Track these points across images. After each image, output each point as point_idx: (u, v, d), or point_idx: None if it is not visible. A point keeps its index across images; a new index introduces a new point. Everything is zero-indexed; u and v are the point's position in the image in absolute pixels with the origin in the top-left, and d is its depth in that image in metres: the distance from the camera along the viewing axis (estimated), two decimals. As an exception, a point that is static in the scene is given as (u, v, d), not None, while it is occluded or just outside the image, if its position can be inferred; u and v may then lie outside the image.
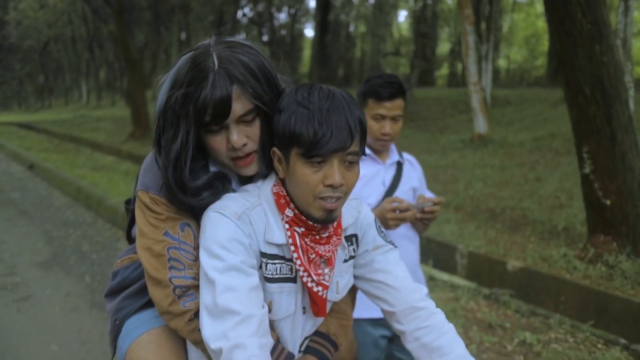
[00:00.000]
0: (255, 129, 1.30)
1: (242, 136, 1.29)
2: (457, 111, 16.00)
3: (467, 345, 3.15)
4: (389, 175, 2.21)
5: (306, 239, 1.30)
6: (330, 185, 1.21)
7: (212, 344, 1.12)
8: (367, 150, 2.21)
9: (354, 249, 1.44)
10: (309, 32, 34.49)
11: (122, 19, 13.70)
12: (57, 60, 49.41)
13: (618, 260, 4.50)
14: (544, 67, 25.30)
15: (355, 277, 1.47)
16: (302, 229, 1.29)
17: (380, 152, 2.21)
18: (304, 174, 1.22)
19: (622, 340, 3.47)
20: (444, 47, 34.93)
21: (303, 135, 1.18)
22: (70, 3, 32.65)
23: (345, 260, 1.43)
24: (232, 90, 1.24)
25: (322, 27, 15.66)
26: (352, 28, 37.07)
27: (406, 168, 2.30)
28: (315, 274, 1.30)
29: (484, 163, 10.07)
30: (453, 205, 7.22)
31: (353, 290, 1.58)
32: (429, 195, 2.29)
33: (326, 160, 1.21)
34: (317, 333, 1.47)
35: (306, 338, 1.46)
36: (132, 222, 1.60)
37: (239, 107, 1.25)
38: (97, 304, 4.15)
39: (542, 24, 24.39)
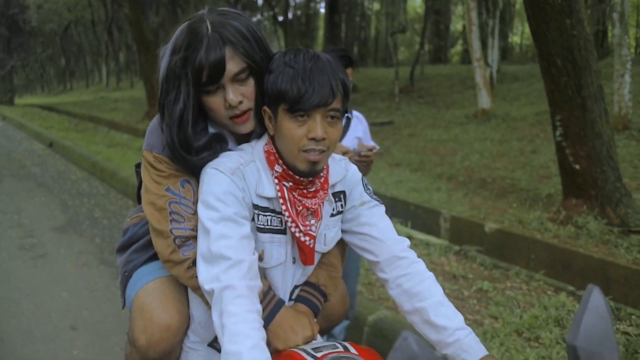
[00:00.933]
0: (249, 87, 1.40)
1: (238, 94, 1.38)
2: (465, 87, 16.15)
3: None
4: None
5: (294, 193, 1.40)
6: (313, 139, 1.31)
7: (206, 285, 1.23)
8: None
9: (341, 205, 1.54)
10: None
11: (136, 1, 14.07)
12: (78, 43, 50.07)
13: (586, 221, 4.81)
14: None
15: (343, 231, 1.58)
16: (290, 184, 1.40)
17: None
18: (290, 128, 1.32)
19: (570, 287, 3.83)
20: (458, 25, 34.83)
21: (288, 92, 1.29)
22: (89, -14, 33.07)
23: (333, 215, 1.53)
24: (225, 51, 1.34)
25: (332, 6, 15.88)
26: (369, 6, 37.08)
27: (353, 122, 2.75)
28: (303, 225, 1.41)
29: (484, 137, 10.33)
30: (446, 175, 7.54)
31: (342, 245, 1.67)
32: (370, 144, 2.68)
33: (310, 116, 1.30)
34: (307, 283, 1.57)
35: (296, 287, 1.56)
36: (140, 184, 1.72)
37: (232, 66, 1.36)
38: (105, 261, 4.61)
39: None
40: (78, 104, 26.37)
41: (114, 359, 3.01)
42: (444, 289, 1.47)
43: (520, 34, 34.20)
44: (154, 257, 1.59)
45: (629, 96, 9.61)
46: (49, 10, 37.44)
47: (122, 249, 1.72)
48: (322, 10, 33.16)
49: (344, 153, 2.37)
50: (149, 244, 1.58)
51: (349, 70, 2.53)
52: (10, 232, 5.45)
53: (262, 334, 1.19)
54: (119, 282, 1.70)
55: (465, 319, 1.42)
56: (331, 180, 1.49)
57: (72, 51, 51.57)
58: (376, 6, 35.74)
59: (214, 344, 1.52)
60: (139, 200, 1.75)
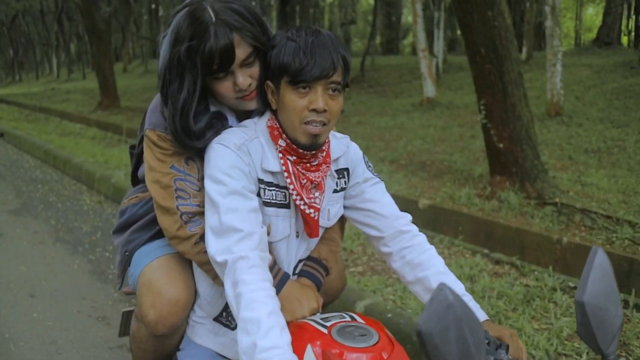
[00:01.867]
0: (256, 68, 1.44)
1: (247, 77, 1.42)
2: (413, 77, 16.68)
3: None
4: None
5: (298, 167, 1.43)
6: (315, 110, 1.34)
7: (218, 257, 1.27)
8: None
9: (345, 182, 1.59)
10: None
11: (86, -10, 14.04)
12: (27, 34, 48.80)
13: (507, 196, 5.30)
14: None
15: (346, 207, 1.64)
16: (294, 157, 1.43)
17: None
18: (292, 99, 1.35)
19: (485, 250, 4.29)
20: (409, 17, 35.60)
21: (290, 64, 1.32)
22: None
23: (336, 191, 1.57)
24: (233, 38, 1.36)
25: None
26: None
27: None
28: (307, 197, 1.44)
29: (428, 124, 10.85)
30: (389, 159, 7.98)
31: (342, 221, 1.73)
32: None
33: (311, 88, 1.34)
34: (309, 258, 1.61)
35: (300, 261, 1.60)
36: (136, 165, 1.77)
37: (241, 52, 1.38)
38: (60, 239, 4.85)
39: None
40: (28, 95, 25.89)
41: (70, 320, 3.30)
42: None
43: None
44: (156, 236, 1.64)
45: (561, 84, 10.25)
46: (-5, -1, 36.41)
47: (121, 229, 1.74)
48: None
49: None
50: (150, 224, 1.64)
51: None
52: (-36, 215, 5.62)
53: (277, 301, 1.22)
54: (117, 262, 1.72)
55: (390, 277, 1.74)
56: (332, 155, 1.53)
57: (20, 42, 50.20)
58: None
59: (220, 319, 1.57)
60: (133, 182, 1.83)
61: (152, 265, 1.56)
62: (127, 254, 1.67)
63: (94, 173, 6.85)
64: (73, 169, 7.57)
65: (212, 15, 1.36)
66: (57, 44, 40.66)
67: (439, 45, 15.56)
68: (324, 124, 1.37)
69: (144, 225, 1.67)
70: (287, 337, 1.15)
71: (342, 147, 1.57)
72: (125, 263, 1.68)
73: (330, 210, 1.57)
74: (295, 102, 1.35)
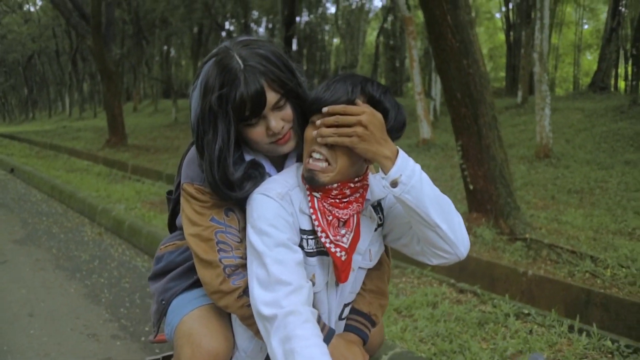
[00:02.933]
0: (288, 111, 1.44)
1: (279, 120, 1.42)
2: (412, 119, 17.14)
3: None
4: None
5: (324, 203, 1.41)
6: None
7: (266, 310, 1.24)
8: None
9: (380, 217, 1.56)
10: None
11: (99, 34, 14.70)
12: (41, 73, 50.17)
13: (482, 232, 5.62)
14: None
15: (396, 239, 1.58)
16: (320, 193, 1.41)
17: None
18: (308, 132, 1.40)
19: (452, 280, 4.59)
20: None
21: (312, 99, 1.40)
22: (54, 17, 33.46)
23: (375, 229, 1.54)
24: (262, 82, 1.37)
25: (286, 42, 16.88)
26: (329, 41, 38.40)
27: None
28: (333, 235, 1.40)
29: (422, 164, 10.84)
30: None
31: (388, 269, 1.71)
32: None
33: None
34: (358, 312, 1.58)
35: (346, 305, 1.57)
36: (173, 212, 1.77)
37: (272, 96, 1.39)
38: (60, 266, 5.19)
39: (503, 37, 25.82)
40: (40, 132, 26.59)
41: (64, 336, 3.62)
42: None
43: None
44: (193, 285, 1.62)
45: (549, 127, 10.63)
46: (12, 40, 37.68)
47: (157, 276, 1.73)
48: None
49: None
50: (187, 272, 1.62)
51: None
52: (-27, 244, 5.99)
53: (330, 358, 1.21)
54: (154, 310, 1.69)
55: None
56: (372, 197, 1.52)
57: (35, 81, 51.58)
58: (337, 42, 37.18)
59: None
60: (170, 229, 1.82)
61: (192, 316, 1.52)
62: (163, 302, 1.64)
63: (96, 206, 7.23)
64: (77, 203, 7.97)
65: (240, 62, 1.37)
66: (71, 84, 41.76)
67: (436, 89, 16.08)
68: (329, 164, 1.38)
69: (182, 274, 1.65)
70: None
71: (383, 190, 1.54)
72: (162, 312, 1.66)
73: (371, 250, 1.54)
74: (308, 134, 1.40)
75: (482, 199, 5.82)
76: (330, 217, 1.40)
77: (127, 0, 25.83)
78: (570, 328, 3.59)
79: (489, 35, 35.45)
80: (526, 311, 3.85)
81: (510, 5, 23.82)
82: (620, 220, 6.64)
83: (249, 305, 1.35)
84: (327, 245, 1.39)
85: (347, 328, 1.54)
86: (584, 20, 29.91)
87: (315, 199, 1.40)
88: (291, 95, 1.44)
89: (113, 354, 3.37)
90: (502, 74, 29.61)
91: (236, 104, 1.36)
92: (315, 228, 1.39)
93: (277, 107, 1.41)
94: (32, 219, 7.35)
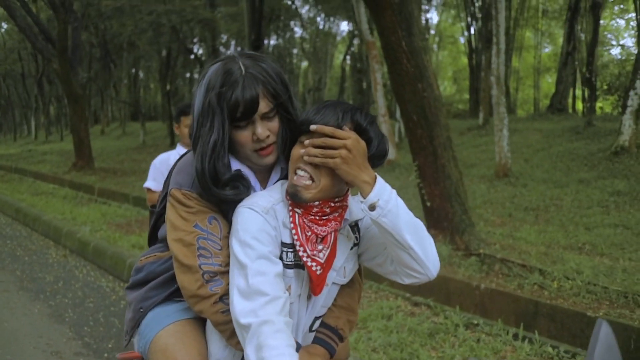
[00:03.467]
0: (275, 124, 1.51)
1: (265, 129, 1.49)
2: (378, 140, 17.51)
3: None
4: None
5: (305, 219, 1.47)
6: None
7: (242, 319, 1.30)
8: (183, 148, 3.49)
9: (356, 237, 1.62)
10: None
11: (65, 57, 14.72)
12: (6, 96, 49.48)
13: (439, 248, 5.84)
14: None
15: (371, 258, 1.62)
16: (301, 210, 1.47)
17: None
18: (295, 151, 1.46)
19: (407, 294, 4.79)
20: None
21: (302, 120, 1.48)
22: (20, 40, 33.23)
23: (351, 248, 1.60)
24: (259, 90, 1.45)
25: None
26: (297, 64, 38.87)
27: None
28: (310, 249, 1.45)
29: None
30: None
31: (359, 288, 1.76)
32: None
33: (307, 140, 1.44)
34: (326, 326, 1.62)
35: (317, 318, 1.62)
36: (154, 224, 1.82)
37: (263, 105, 1.47)
38: (24, 287, 5.23)
39: (466, 61, 26.59)
40: (4, 156, 26.20)
41: (26, 354, 3.69)
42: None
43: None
44: (172, 294, 1.66)
45: (507, 148, 11.01)
46: (-23, 63, 37.17)
47: (136, 285, 1.76)
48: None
49: None
50: (168, 282, 1.66)
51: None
52: None
53: None
54: (129, 318, 1.72)
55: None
56: (350, 217, 1.58)
57: (0, 104, 50.85)
58: (305, 65, 37.65)
59: None
60: (150, 241, 1.88)
61: (168, 331, 1.57)
62: (141, 310, 1.68)
63: (62, 229, 7.26)
64: (42, 226, 7.97)
65: (243, 68, 1.47)
66: (37, 106, 41.24)
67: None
68: (313, 180, 1.44)
69: (162, 283, 1.69)
70: None
71: (361, 213, 1.59)
72: (138, 320, 1.68)
73: (346, 267, 1.59)
74: (295, 153, 1.47)
75: (438, 216, 6.05)
76: (309, 233, 1.46)
77: (95, 23, 25.83)
78: (515, 336, 3.79)
79: (453, 59, 36.41)
80: (475, 321, 4.06)
81: (472, 30, 24.62)
82: (572, 235, 6.94)
83: (224, 312, 1.42)
84: (305, 259, 1.46)
85: (316, 340, 1.59)
86: (545, 44, 31.08)
87: (297, 215, 1.47)
88: (281, 110, 1.52)
89: (76, 370, 3.45)
90: (466, 95, 30.41)
91: (231, 104, 1.44)
92: (294, 242, 1.46)
93: (266, 116, 1.49)
94: (-4, 243, 7.34)
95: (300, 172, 1.43)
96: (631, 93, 10.82)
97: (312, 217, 1.47)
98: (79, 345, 3.87)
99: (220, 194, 1.48)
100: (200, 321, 1.61)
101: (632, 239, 6.78)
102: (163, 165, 3.50)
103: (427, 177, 6.05)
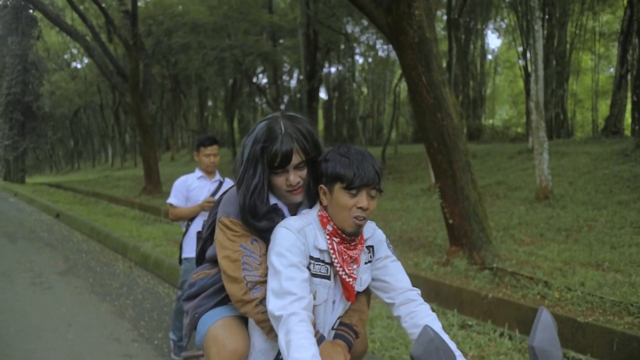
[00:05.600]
0: (304, 172, 1.86)
1: (297, 177, 1.83)
2: (426, 164, 18.01)
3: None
4: (213, 187, 4.21)
5: (341, 246, 1.82)
6: (361, 208, 1.75)
7: (276, 312, 1.60)
8: (200, 173, 4.22)
9: (370, 256, 1.97)
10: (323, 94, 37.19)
11: (136, 91, 16.15)
12: (86, 126, 52.77)
13: (457, 262, 6.40)
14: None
15: (371, 278, 1.99)
16: (338, 239, 1.82)
17: (209, 174, 4.23)
18: (345, 200, 1.76)
19: (417, 300, 5.38)
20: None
21: (346, 175, 1.75)
22: (99, 74, 35.64)
23: (366, 263, 1.95)
24: (294, 147, 1.79)
25: (310, 95, 18.09)
26: (357, 90, 39.80)
27: (224, 184, 4.22)
28: (348, 270, 1.83)
29: (430, 206, 11.94)
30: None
31: (368, 294, 2.09)
32: None
33: (359, 192, 1.76)
34: (343, 324, 1.94)
35: (339, 318, 1.96)
36: (202, 247, 2.19)
37: (296, 158, 1.81)
38: (94, 291, 6.19)
39: (522, 84, 26.74)
40: (84, 181, 28.31)
41: (93, 340, 4.56)
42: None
43: (490, 117, 37.20)
44: (220, 302, 2.01)
45: (548, 171, 11.31)
46: (60, 96, 40.10)
47: (190, 297, 2.10)
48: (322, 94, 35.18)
49: (209, 202, 3.93)
50: (216, 292, 2.01)
51: (215, 147, 4.13)
52: (24, 274, 7.07)
53: (317, 349, 1.54)
54: (187, 323, 2.07)
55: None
56: (365, 236, 1.93)
57: (80, 133, 54.21)
58: (365, 91, 38.58)
59: None
60: (198, 261, 2.25)
61: (218, 324, 1.92)
62: (196, 315, 2.02)
63: (128, 244, 8.28)
64: (112, 242, 9.05)
65: (283, 128, 1.81)
66: (113, 135, 43.80)
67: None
68: (364, 218, 1.79)
69: (212, 293, 2.03)
70: None
71: (370, 231, 1.97)
72: (194, 324, 2.03)
73: (362, 278, 1.93)
74: (347, 202, 1.76)
75: (458, 234, 6.61)
76: (346, 256, 1.82)
77: (166, 57, 27.67)
78: (502, 334, 4.34)
79: (509, 82, 36.41)
80: (470, 322, 4.62)
81: (528, 55, 24.75)
82: (595, 254, 7.27)
83: (263, 312, 1.73)
84: (344, 276, 1.83)
85: (336, 336, 1.90)
86: (605, 67, 30.69)
87: (335, 243, 1.81)
88: (310, 162, 1.86)
89: (132, 353, 4.29)
90: (523, 119, 30.37)
91: (271, 155, 1.78)
92: (335, 265, 1.81)
93: (298, 166, 1.82)
94: (73, 256, 8.44)
95: (360, 218, 1.77)
96: (673, 116, 10.95)
97: (346, 244, 1.83)
98: (135, 334, 4.71)
99: (256, 225, 1.82)
100: (243, 318, 1.97)
101: (653, 257, 7.06)
102: (182, 185, 4.22)
103: (448, 198, 6.62)
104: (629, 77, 17.83)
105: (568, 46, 23.87)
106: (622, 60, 17.44)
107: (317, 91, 19.96)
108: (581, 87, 29.83)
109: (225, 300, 1.98)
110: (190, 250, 4.10)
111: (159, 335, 4.71)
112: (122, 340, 4.55)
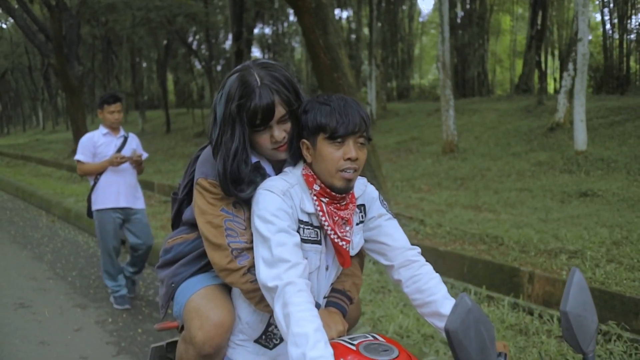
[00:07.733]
0: (288, 125, 1.66)
1: (282, 131, 1.65)
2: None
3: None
4: (119, 142, 4.55)
5: (330, 207, 1.63)
6: (349, 159, 1.54)
7: (270, 283, 1.45)
8: (105, 129, 4.48)
9: (362, 216, 1.78)
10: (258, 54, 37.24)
11: (61, 53, 16.11)
12: (15, 89, 50.96)
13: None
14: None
15: (365, 240, 1.81)
16: (327, 199, 1.62)
17: (114, 130, 4.53)
18: (329, 152, 1.56)
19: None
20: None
21: (328, 123, 1.54)
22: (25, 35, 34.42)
23: (357, 224, 1.76)
24: (274, 99, 1.59)
25: (237, 56, 18.37)
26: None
27: (129, 139, 4.54)
28: (340, 232, 1.64)
29: (347, 161, 12.77)
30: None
31: (361, 257, 1.91)
32: (140, 152, 4.51)
33: (344, 141, 1.54)
34: (336, 290, 1.77)
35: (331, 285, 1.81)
36: (178, 210, 1.99)
37: (279, 111, 1.61)
38: (16, 241, 6.65)
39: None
40: (13, 146, 27.85)
41: (12, 279, 5.09)
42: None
43: (419, 77, 38.19)
44: (199, 270, 1.84)
45: (454, 126, 12.27)
46: (-16, 58, 38.57)
47: (166, 264, 1.92)
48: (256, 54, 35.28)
49: (122, 158, 4.28)
50: (195, 260, 1.84)
51: (118, 104, 4.38)
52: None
53: (320, 320, 1.38)
54: (162, 293, 1.90)
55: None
56: (355, 194, 1.72)
57: (9, 97, 52.34)
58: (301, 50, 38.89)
59: (260, 340, 1.75)
60: (174, 225, 2.05)
61: (199, 294, 1.75)
62: (173, 285, 1.85)
63: (51, 200, 8.70)
64: (37, 199, 9.43)
65: (258, 79, 1.59)
66: (44, 98, 42.58)
67: (372, 95, 17.81)
68: (355, 170, 1.57)
69: (190, 261, 1.85)
70: (330, 349, 1.32)
71: (361, 187, 1.76)
72: (171, 294, 1.86)
73: (353, 240, 1.73)
74: (333, 154, 1.55)
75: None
76: (337, 218, 1.63)
77: (96, 17, 27.04)
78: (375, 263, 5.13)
79: (434, 43, 37.66)
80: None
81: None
82: (478, 198, 8.23)
83: (252, 282, 1.58)
84: (336, 240, 1.63)
85: (329, 303, 1.74)
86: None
87: (323, 204, 1.61)
88: (293, 113, 1.65)
89: (46, 287, 4.86)
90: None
91: (250, 113, 1.58)
92: (325, 228, 1.62)
93: (281, 120, 1.63)
94: (-2, 213, 8.82)
95: (349, 171, 1.55)
96: (565, 74, 12.02)
97: (336, 204, 1.63)
98: (51, 274, 5.27)
99: (239, 195, 1.62)
100: (226, 287, 1.79)
101: (526, 200, 8.07)
102: (89, 142, 4.45)
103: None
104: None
105: (489, 7, 24.92)
106: (533, 21, 18.55)
107: (247, 52, 20.19)
108: (501, 47, 31.22)
109: (206, 268, 1.83)
110: (101, 201, 4.42)
111: (73, 273, 5.28)
112: (39, 278, 5.10)
